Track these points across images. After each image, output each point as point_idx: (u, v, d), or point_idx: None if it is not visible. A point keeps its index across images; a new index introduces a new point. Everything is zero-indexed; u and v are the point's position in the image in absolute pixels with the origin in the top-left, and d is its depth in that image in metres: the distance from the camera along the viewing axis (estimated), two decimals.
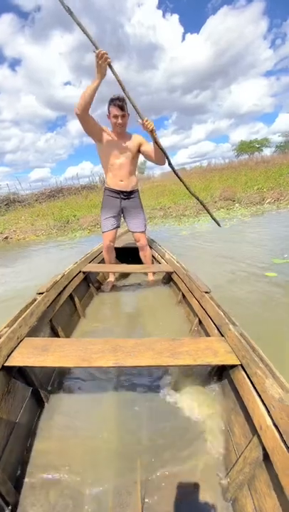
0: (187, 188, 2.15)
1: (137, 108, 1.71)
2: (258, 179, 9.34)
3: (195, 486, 0.75)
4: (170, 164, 2.00)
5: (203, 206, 2.25)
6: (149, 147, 2.01)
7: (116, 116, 1.88)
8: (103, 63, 1.57)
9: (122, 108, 1.86)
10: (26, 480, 0.77)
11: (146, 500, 0.71)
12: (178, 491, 0.74)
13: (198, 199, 2.23)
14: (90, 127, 1.87)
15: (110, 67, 1.60)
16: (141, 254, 2.38)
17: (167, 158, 1.93)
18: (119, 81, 1.63)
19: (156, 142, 1.82)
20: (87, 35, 1.53)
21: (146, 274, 2.45)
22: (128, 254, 2.81)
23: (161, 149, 1.85)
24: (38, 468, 0.81)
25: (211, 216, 2.31)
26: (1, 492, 0.68)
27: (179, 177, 2.09)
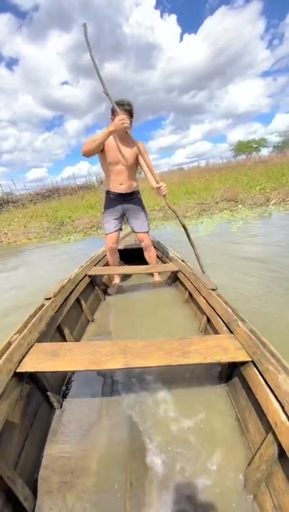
0: (175, 214, 2.09)
1: (155, 174, 1.91)
2: (259, 179, 9.02)
3: (212, 485, 0.75)
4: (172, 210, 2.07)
5: (183, 227, 2.11)
6: (144, 164, 1.97)
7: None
8: (121, 128, 1.68)
9: (130, 114, 1.83)
10: (43, 484, 0.77)
11: (164, 500, 0.71)
12: (196, 491, 0.73)
13: (175, 214, 2.10)
14: (95, 153, 1.90)
15: (128, 130, 1.71)
16: (145, 254, 2.35)
17: (174, 212, 2.07)
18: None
19: (167, 205, 2.00)
20: (112, 102, 1.69)
21: (151, 274, 2.44)
22: (132, 256, 2.78)
23: (173, 210, 2.05)
24: (54, 472, 0.81)
25: (198, 260, 2.05)
26: (20, 498, 0.68)
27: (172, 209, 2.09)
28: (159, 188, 1.84)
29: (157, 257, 2.49)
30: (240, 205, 6.94)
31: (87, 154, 1.83)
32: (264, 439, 0.72)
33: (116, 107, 1.73)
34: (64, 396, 1.10)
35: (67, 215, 8.16)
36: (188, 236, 2.03)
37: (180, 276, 2.02)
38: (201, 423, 0.94)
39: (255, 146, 27.82)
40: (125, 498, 0.71)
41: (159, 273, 2.41)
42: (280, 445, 0.64)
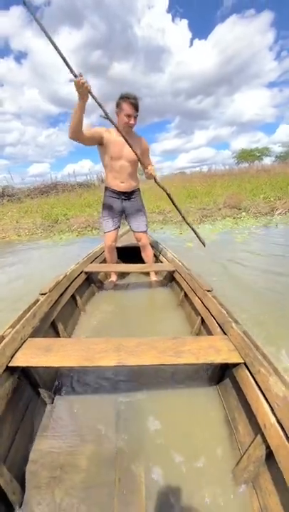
0: (174, 204, 2.13)
1: (140, 160, 1.90)
2: (263, 187, 8.74)
3: (199, 485, 0.75)
4: (167, 194, 2.07)
5: (187, 223, 2.20)
6: (144, 162, 1.96)
7: (129, 116, 1.76)
8: (84, 91, 1.47)
9: (137, 108, 1.75)
10: (32, 479, 0.77)
11: (150, 498, 0.71)
12: (182, 490, 0.74)
13: (181, 214, 2.18)
14: (89, 141, 1.78)
15: (90, 93, 1.51)
16: (143, 254, 2.36)
17: (165, 191, 2.04)
18: (99, 105, 1.59)
19: (157, 183, 1.99)
20: (65, 62, 1.48)
21: (148, 273, 2.44)
22: (130, 254, 2.76)
23: (162, 188, 2.03)
24: (43, 467, 0.81)
25: (196, 234, 2.18)
26: (8, 491, 0.68)
27: (167, 194, 2.09)
28: (147, 169, 1.87)
29: (154, 256, 2.50)
30: (243, 213, 6.62)
31: (73, 134, 1.64)
32: (253, 440, 0.73)
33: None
34: (56, 392, 1.10)
35: (63, 212, 7.77)
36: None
37: (176, 276, 2.02)
38: (191, 423, 0.95)
39: (258, 154, 27.80)
40: (113, 495, 0.72)
41: (155, 272, 2.39)
42: (268, 447, 0.65)
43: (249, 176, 12.91)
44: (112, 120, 1.68)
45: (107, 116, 1.66)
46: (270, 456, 0.66)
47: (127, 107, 1.72)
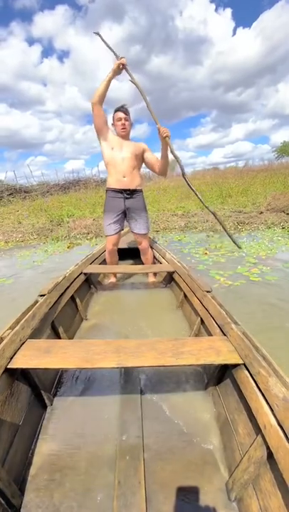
0: (200, 200, 1.86)
1: (152, 113, 1.87)
2: None
3: (199, 486, 0.76)
4: (183, 175, 1.88)
5: (220, 224, 1.86)
6: (153, 157, 2.13)
7: (120, 119, 2.02)
8: (119, 70, 1.89)
9: (125, 112, 2.03)
10: (31, 482, 0.78)
11: (150, 500, 0.71)
12: (182, 492, 0.74)
13: (214, 214, 1.87)
14: (100, 119, 1.98)
15: (126, 70, 1.90)
16: (142, 256, 2.38)
17: (180, 164, 1.87)
18: (136, 84, 1.89)
19: (170, 150, 1.86)
20: (109, 47, 1.98)
21: (147, 274, 2.43)
22: (129, 255, 2.78)
23: (175, 156, 1.86)
24: (42, 470, 0.81)
25: (230, 237, 1.81)
26: (7, 494, 0.68)
27: (190, 186, 1.85)
28: (159, 128, 1.85)
29: (154, 257, 2.49)
30: None
31: (97, 97, 1.88)
32: (253, 442, 0.73)
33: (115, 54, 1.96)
34: (55, 394, 1.10)
35: (70, 213, 6.60)
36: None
37: (175, 277, 2.01)
38: (190, 424, 0.95)
39: None
40: (113, 498, 0.71)
41: (154, 273, 2.40)
42: (268, 448, 0.65)
43: None
44: (139, 85, 1.88)
45: (133, 81, 1.91)
46: (270, 457, 0.66)
47: (117, 114, 2.03)
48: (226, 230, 1.80)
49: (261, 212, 5.50)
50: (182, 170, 1.86)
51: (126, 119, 2.03)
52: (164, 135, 1.80)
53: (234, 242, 1.76)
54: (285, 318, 1.67)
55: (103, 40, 1.97)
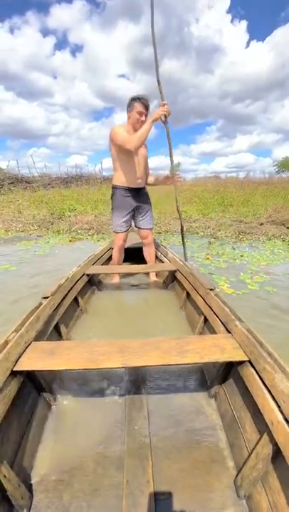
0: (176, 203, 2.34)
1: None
2: None
3: (207, 484, 0.76)
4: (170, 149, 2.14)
5: (182, 228, 2.41)
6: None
7: (141, 113, 1.93)
8: (164, 115, 1.91)
9: (147, 108, 1.95)
10: (40, 483, 0.78)
11: (159, 499, 0.71)
12: (191, 490, 0.75)
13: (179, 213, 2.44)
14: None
15: (166, 117, 1.96)
16: (145, 252, 2.39)
17: (170, 146, 2.12)
18: (167, 129, 2.07)
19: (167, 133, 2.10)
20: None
21: (149, 274, 2.46)
22: (130, 255, 2.71)
23: (168, 139, 2.11)
24: (50, 471, 0.81)
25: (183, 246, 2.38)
26: (16, 496, 0.69)
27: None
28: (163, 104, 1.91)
29: (156, 257, 2.51)
30: None
31: (135, 149, 1.90)
32: (260, 439, 0.73)
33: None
34: (61, 395, 1.10)
35: (72, 207, 6.53)
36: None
37: (178, 275, 2.01)
38: (197, 422, 0.96)
39: None
40: (122, 497, 0.72)
41: (157, 273, 2.42)
42: (276, 444, 0.65)
43: None
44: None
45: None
46: (278, 453, 0.66)
47: (138, 106, 1.90)
48: (183, 238, 2.16)
49: (262, 224, 5.57)
50: (172, 165, 2.08)
51: (146, 115, 1.95)
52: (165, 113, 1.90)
53: (184, 253, 2.30)
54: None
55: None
